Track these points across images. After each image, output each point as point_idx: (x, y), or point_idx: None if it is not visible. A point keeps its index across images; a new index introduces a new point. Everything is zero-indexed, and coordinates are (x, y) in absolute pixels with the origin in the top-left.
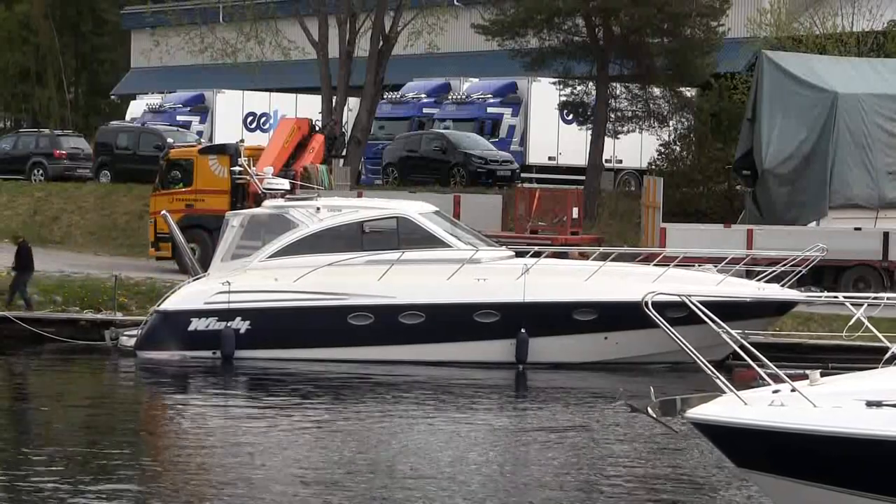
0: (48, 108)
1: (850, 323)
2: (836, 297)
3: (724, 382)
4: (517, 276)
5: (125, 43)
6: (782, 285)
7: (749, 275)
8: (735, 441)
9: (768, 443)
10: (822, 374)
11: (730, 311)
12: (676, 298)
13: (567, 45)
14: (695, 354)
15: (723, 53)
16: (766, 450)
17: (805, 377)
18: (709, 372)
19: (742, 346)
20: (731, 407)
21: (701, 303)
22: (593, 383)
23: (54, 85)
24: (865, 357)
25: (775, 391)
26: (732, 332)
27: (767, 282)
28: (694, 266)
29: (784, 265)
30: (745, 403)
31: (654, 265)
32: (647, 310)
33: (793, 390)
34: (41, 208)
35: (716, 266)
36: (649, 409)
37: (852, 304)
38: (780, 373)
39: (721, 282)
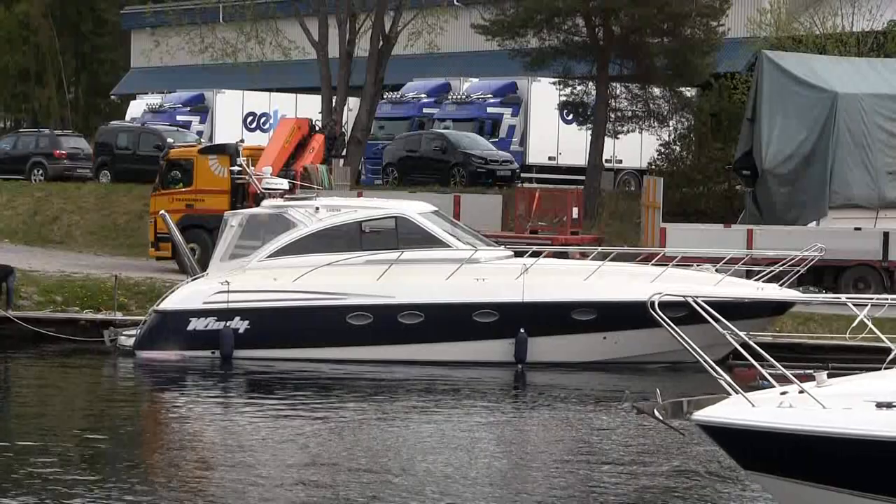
0: (48, 108)
1: (854, 324)
2: (838, 297)
3: (731, 385)
4: (516, 276)
5: (125, 43)
6: (780, 285)
7: (749, 275)
8: (743, 443)
9: (778, 445)
10: (829, 376)
11: (729, 310)
12: (678, 298)
13: (567, 45)
14: (701, 356)
15: (723, 53)
16: (776, 452)
17: (810, 378)
18: (714, 374)
19: (748, 347)
20: (739, 409)
21: (704, 303)
22: (593, 383)
23: (54, 85)
24: (866, 357)
25: (783, 392)
26: (739, 332)
27: (766, 281)
28: (692, 266)
29: (782, 265)
30: (753, 405)
31: (653, 265)
32: (652, 311)
33: (801, 391)
34: (41, 208)
35: (714, 266)
36: (656, 412)
37: (855, 305)
38: (788, 373)
39: (719, 281)
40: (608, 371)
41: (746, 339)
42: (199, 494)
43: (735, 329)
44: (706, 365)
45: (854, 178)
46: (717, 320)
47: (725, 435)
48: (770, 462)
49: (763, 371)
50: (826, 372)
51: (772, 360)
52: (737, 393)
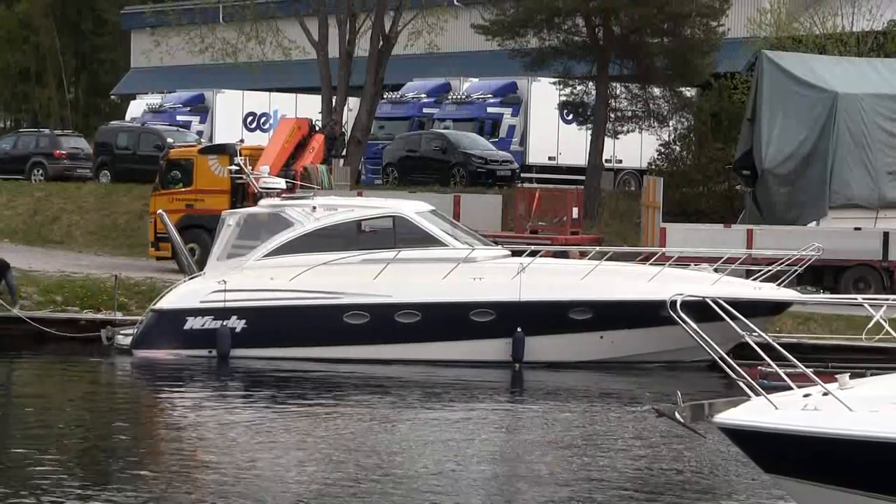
0: (48, 108)
1: (870, 325)
2: (855, 298)
3: (753, 387)
4: (513, 275)
5: (125, 43)
6: (778, 284)
7: (749, 274)
8: (768, 446)
9: (805, 448)
10: (849, 378)
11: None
12: (698, 299)
13: (567, 45)
14: (724, 358)
15: (723, 53)
16: (802, 455)
17: (832, 379)
18: (734, 376)
19: (769, 347)
20: (763, 411)
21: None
22: (590, 382)
23: (54, 85)
24: (866, 357)
25: (806, 395)
26: (763, 333)
27: (763, 281)
28: (690, 266)
29: (780, 264)
30: (777, 408)
31: (651, 264)
32: (672, 311)
33: (826, 394)
34: (41, 208)
35: (712, 265)
36: (677, 414)
37: (871, 306)
38: (811, 374)
39: (716, 281)
40: (605, 370)
41: (769, 339)
42: (195, 493)
43: (757, 329)
44: (725, 367)
45: (854, 178)
46: (736, 320)
47: (749, 438)
48: (795, 465)
49: (781, 373)
50: (848, 374)
51: (795, 361)
52: (758, 395)
